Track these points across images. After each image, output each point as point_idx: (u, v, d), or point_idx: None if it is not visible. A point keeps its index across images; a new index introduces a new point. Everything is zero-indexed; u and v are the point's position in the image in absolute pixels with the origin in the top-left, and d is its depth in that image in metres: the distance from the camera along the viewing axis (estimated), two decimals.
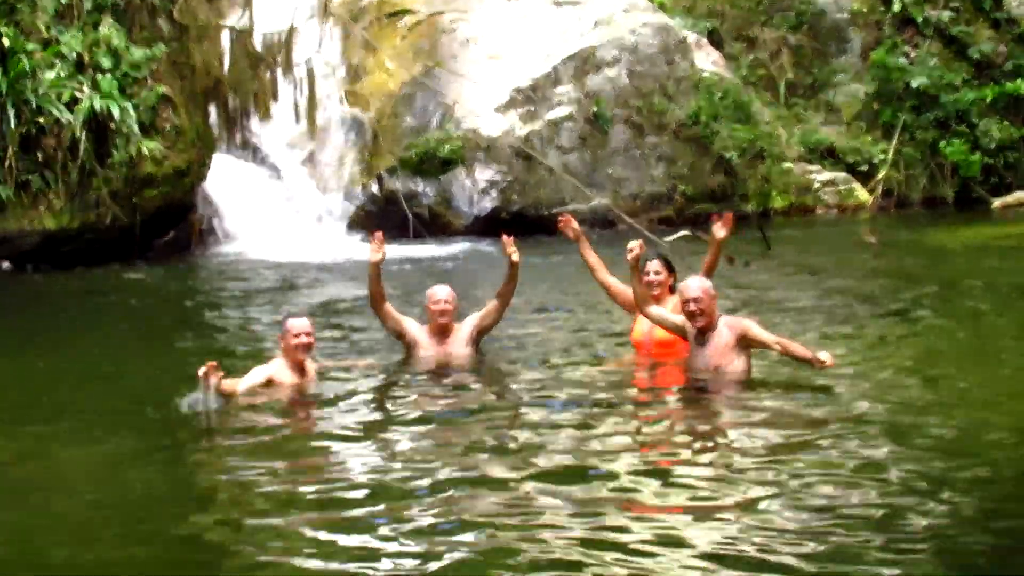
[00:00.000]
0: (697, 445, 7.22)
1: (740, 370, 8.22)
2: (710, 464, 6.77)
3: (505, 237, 9.12)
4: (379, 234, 9.00)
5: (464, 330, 9.15)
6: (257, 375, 8.36)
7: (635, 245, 8.48)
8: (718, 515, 5.89)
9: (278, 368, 8.47)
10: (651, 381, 8.79)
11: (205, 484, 6.85)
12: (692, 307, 8.22)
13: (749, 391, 8.11)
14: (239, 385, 8.15)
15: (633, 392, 8.66)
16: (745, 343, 8.23)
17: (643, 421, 7.82)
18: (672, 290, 9.08)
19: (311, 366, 8.66)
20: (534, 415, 7.86)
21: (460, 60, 19.79)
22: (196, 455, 7.32)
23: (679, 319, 8.48)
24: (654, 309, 8.69)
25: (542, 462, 6.83)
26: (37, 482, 6.88)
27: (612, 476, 6.55)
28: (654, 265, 9.10)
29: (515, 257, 9.00)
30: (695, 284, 8.31)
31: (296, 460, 7.03)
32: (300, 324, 8.45)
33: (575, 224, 9.31)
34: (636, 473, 6.61)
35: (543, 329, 10.81)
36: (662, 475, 6.55)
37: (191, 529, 6.01)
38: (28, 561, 5.64)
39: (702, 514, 5.91)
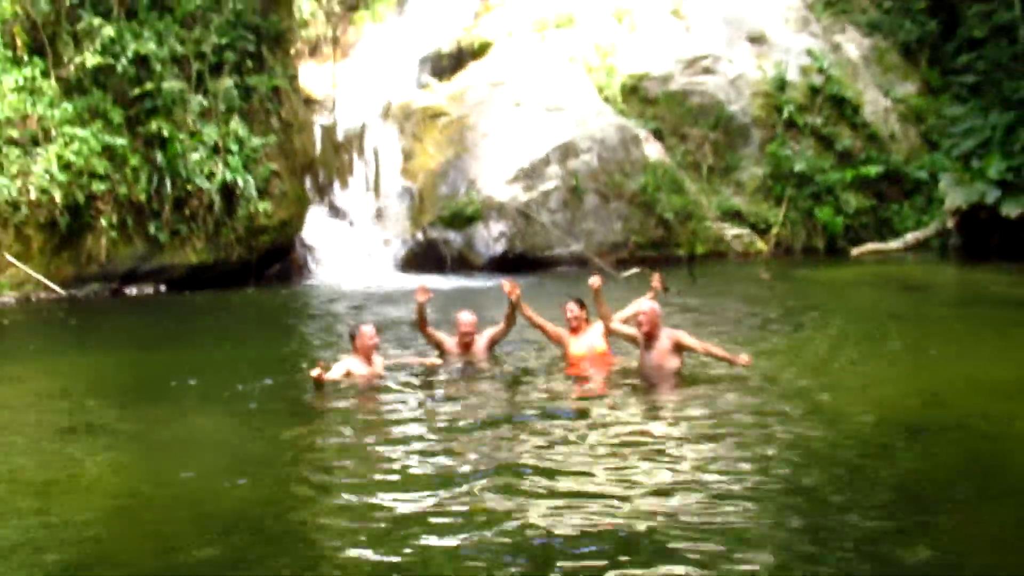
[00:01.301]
0: (643, 421, 7.25)
1: (674, 368, 8.24)
2: (650, 436, 6.79)
3: (505, 283, 9.10)
4: (424, 285, 9.19)
5: (481, 342, 9.35)
6: (340, 368, 8.45)
7: (594, 280, 8.57)
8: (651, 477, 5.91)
9: (353, 363, 8.53)
10: (606, 379, 8.72)
11: (293, 450, 6.88)
12: (642, 318, 8.26)
13: (682, 383, 8.13)
14: (332, 374, 8.27)
15: (594, 386, 8.61)
16: (679, 348, 8.25)
17: (607, 407, 7.82)
18: (588, 321, 9.11)
19: (379, 360, 8.71)
20: (529, 408, 7.91)
21: (480, 148, 19.81)
22: (290, 428, 7.36)
23: (632, 331, 8.50)
24: (616, 324, 8.73)
25: (528, 436, 6.87)
26: (165, 443, 6.92)
27: (582, 441, 6.60)
28: (572, 306, 9.13)
29: (513, 298, 9.03)
30: (647, 304, 8.36)
31: (362, 435, 7.03)
32: (370, 330, 8.59)
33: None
34: (599, 437, 6.65)
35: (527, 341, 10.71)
36: (620, 446, 6.58)
37: (279, 487, 6.04)
38: (162, 500, 5.68)
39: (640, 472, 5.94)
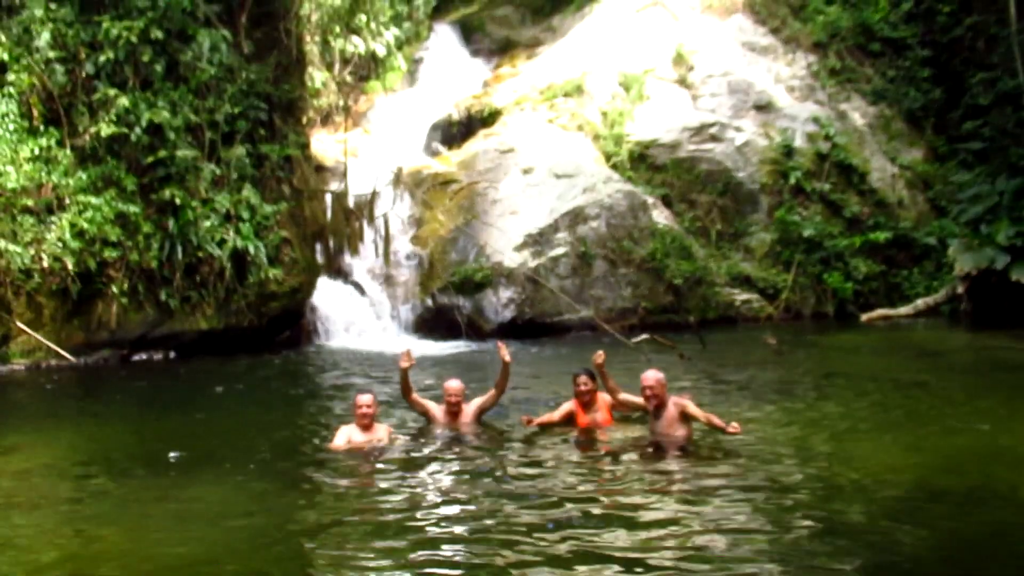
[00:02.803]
0: (652, 483, 7.15)
1: (683, 435, 8.18)
2: (661, 494, 6.71)
3: (499, 344, 9.13)
4: (408, 350, 9.10)
5: (470, 410, 9.16)
6: (341, 437, 8.42)
7: (599, 355, 8.56)
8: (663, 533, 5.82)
9: (352, 430, 8.49)
10: (616, 444, 8.65)
11: (305, 514, 6.81)
12: (648, 392, 8.21)
13: (691, 451, 8.05)
14: (335, 443, 8.27)
15: (602, 450, 8.53)
16: (684, 416, 8.19)
17: (616, 469, 7.74)
18: (596, 393, 9.10)
19: (381, 428, 8.61)
20: (522, 471, 7.82)
21: (490, 215, 19.93)
22: (289, 501, 7.29)
23: (639, 400, 8.45)
24: (622, 395, 8.70)
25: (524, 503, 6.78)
26: (164, 516, 6.80)
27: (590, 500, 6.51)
28: (583, 378, 9.11)
29: (507, 359, 9.01)
30: (651, 376, 8.31)
31: (353, 511, 6.96)
32: (365, 399, 8.54)
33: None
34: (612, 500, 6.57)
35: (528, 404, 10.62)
36: (627, 507, 6.50)
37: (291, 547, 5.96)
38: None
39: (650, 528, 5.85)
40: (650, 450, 8.13)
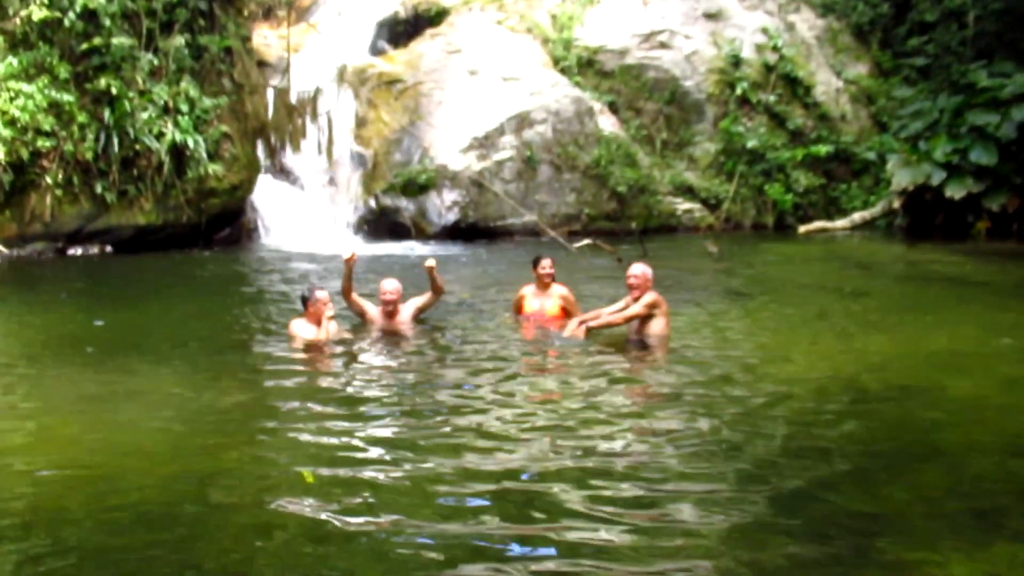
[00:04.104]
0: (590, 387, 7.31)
1: (655, 334, 8.40)
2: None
3: (429, 263, 9.11)
4: (353, 248, 9.14)
5: (407, 311, 9.14)
6: (297, 330, 8.42)
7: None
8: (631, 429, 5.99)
9: (302, 325, 8.50)
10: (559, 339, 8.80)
11: (234, 401, 6.87)
12: (632, 281, 8.39)
13: (632, 350, 8.25)
14: (294, 332, 8.48)
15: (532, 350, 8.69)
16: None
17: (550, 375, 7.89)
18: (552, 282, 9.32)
19: (332, 325, 8.59)
20: (455, 374, 7.94)
21: (435, 116, 19.72)
22: (230, 381, 7.35)
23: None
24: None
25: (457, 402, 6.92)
26: (103, 401, 6.83)
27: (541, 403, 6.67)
28: (545, 260, 9.26)
29: (429, 264, 9.07)
30: (639, 267, 8.55)
31: (300, 399, 7.04)
32: (324, 295, 8.52)
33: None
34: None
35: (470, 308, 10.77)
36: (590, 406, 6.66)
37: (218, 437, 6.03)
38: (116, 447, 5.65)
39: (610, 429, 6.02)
40: (591, 347, 8.29)
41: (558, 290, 9.28)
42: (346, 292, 8.96)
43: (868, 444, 5.78)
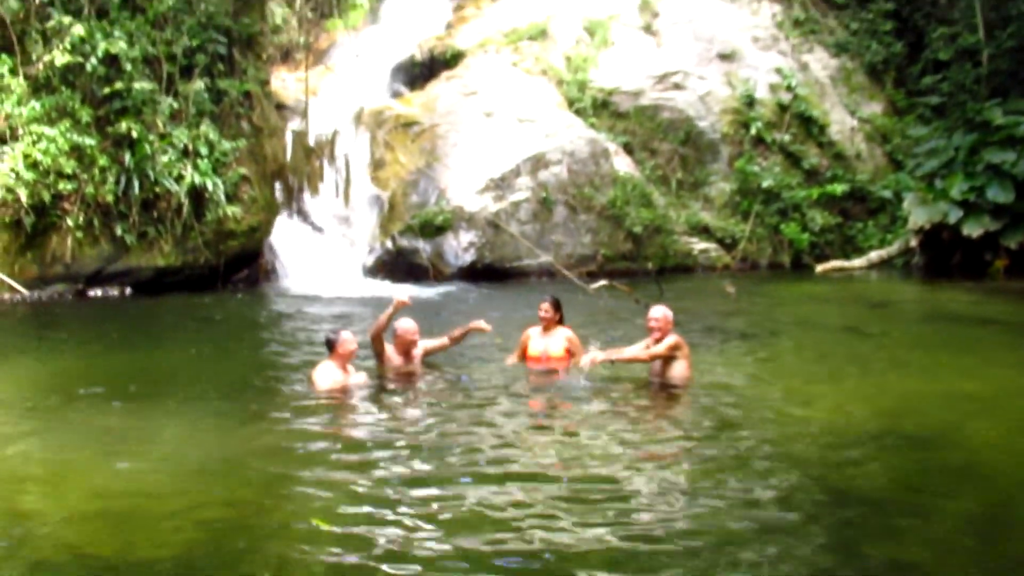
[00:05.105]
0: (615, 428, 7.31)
1: (677, 376, 8.40)
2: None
3: (482, 323, 9.28)
4: (409, 294, 9.23)
5: (418, 351, 9.23)
6: (322, 374, 8.42)
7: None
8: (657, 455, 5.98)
9: (330, 368, 8.49)
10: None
11: (253, 446, 6.89)
12: (653, 324, 8.40)
13: (648, 391, 8.23)
14: (317, 380, 8.40)
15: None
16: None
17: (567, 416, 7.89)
18: (560, 322, 9.26)
19: (351, 369, 8.64)
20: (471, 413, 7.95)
21: (451, 157, 19.87)
22: (249, 425, 7.37)
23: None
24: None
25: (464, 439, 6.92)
26: (125, 445, 6.85)
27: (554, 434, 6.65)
28: (544, 304, 9.29)
29: (486, 328, 9.24)
30: (659, 310, 8.57)
31: (327, 442, 7.06)
32: (350, 336, 8.57)
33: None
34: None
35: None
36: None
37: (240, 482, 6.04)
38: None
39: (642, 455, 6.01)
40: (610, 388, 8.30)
41: (563, 332, 9.31)
42: (379, 332, 9.01)
43: (891, 489, 5.75)
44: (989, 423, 7.30)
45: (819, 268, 20.48)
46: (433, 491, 5.62)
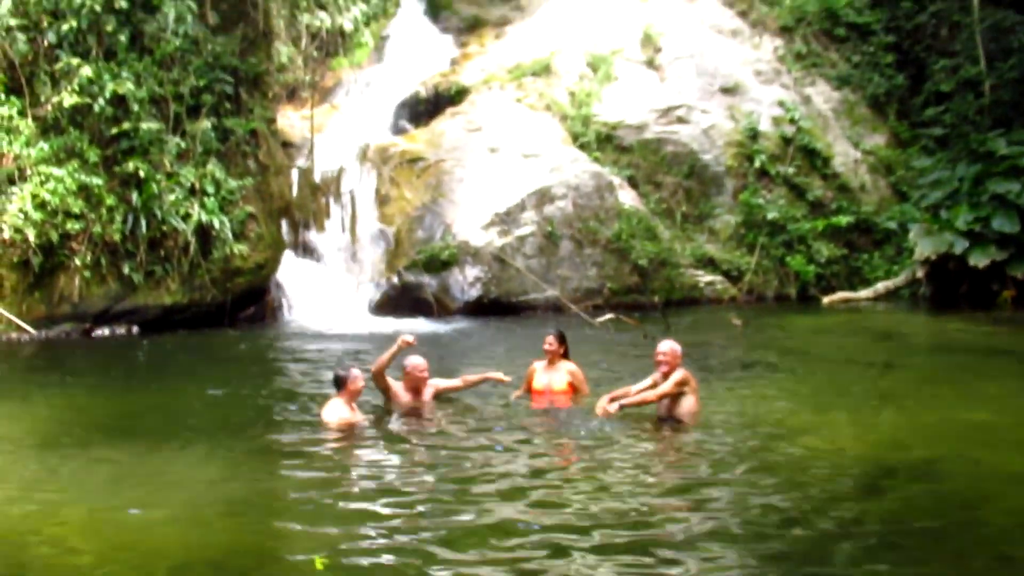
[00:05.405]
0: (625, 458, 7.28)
1: (685, 411, 8.36)
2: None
3: (500, 375, 9.39)
4: (414, 335, 9.26)
5: (429, 390, 9.22)
6: (331, 412, 8.40)
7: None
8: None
9: (339, 406, 8.48)
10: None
11: (258, 486, 6.87)
12: (660, 358, 8.38)
13: (660, 425, 8.20)
14: (326, 417, 8.39)
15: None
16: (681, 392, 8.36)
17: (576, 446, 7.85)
18: (565, 355, 9.26)
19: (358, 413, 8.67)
20: (483, 444, 7.92)
21: (456, 193, 19.94)
22: (255, 464, 7.34)
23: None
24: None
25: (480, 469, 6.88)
26: (135, 485, 6.83)
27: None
28: (549, 337, 9.33)
29: (505, 379, 9.35)
30: (667, 344, 8.55)
31: (337, 482, 7.02)
32: (359, 374, 8.57)
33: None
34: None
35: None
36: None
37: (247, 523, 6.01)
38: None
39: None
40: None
41: (566, 366, 9.36)
42: (381, 369, 9.00)
43: (905, 521, 5.71)
44: (1001, 453, 7.25)
45: (826, 300, 20.45)
46: (439, 533, 5.57)
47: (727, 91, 22.89)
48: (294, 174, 19.58)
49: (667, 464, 7.11)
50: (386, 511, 6.00)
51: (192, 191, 16.40)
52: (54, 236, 15.25)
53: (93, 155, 15.73)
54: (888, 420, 8.57)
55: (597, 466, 7.03)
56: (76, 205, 15.35)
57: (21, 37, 15.66)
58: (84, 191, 15.53)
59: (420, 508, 6.09)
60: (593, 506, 6.00)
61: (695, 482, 6.59)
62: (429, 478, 6.84)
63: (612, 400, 8.40)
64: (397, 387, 9.14)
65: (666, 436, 8.02)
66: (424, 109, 22.66)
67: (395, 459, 7.48)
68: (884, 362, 12.17)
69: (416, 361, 9.16)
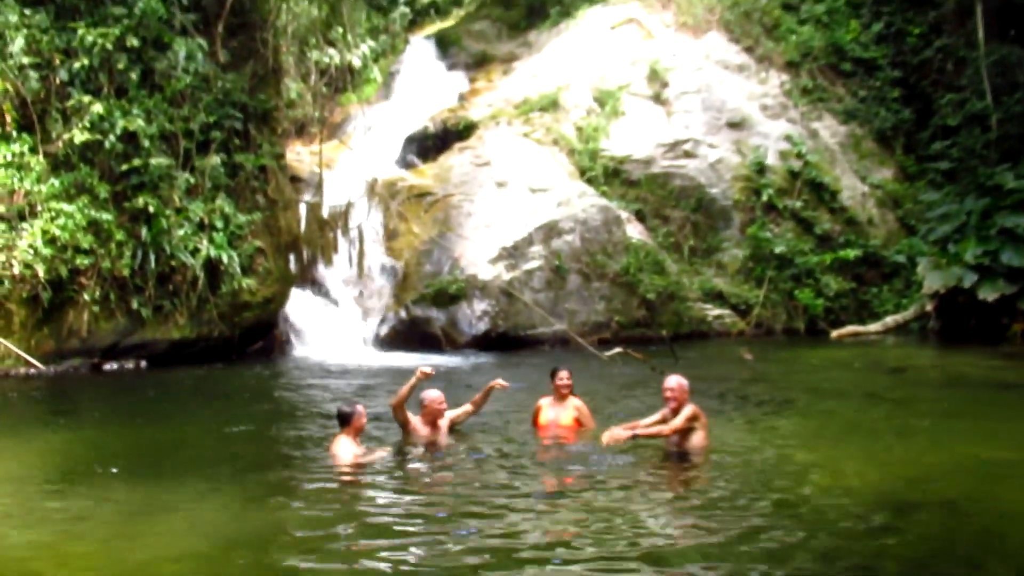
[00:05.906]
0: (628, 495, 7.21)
1: (694, 445, 8.30)
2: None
3: (501, 382, 9.41)
4: (432, 367, 9.28)
5: (445, 421, 9.22)
6: (342, 449, 8.35)
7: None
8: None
9: (346, 442, 8.44)
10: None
11: (266, 522, 6.80)
12: (668, 394, 8.37)
13: (666, 459, 8.13)
14: (337, 452, 8.39)
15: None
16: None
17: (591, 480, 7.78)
18: (570, 391, 9.52)
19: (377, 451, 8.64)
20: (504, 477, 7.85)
21: (464, 227, 19.99)
22: (263, 502, 7.28)
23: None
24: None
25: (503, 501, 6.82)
26: (142, 524, 6.76)
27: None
28: (563, 372, 9.42)
29: (504, 385, 9.39)
30: (674, 380, 8.56)
31: (344, 519, 6.96)
32: (362, 409, 8.54)
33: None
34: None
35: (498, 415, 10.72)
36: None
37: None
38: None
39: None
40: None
41: (573, 402, 9.45)
42: (401, 402, 8.99)
43: (921, 559, 5.63)
44: (1017, 489, 7.15)
45: (834, 333, 20.37)
46: (450, 573, 5.50)
47: (734, 125, 22.97)
48: (302, 209, 19.65)
49: (678, 502, 7.01)
50: (394, 554, 5.91)
51: (201, 226, 16.45)
52: (63, 271, 15.28)
53: (103, 191, 15.80)
54: (901, 456, 8.47)
55: (607, 504, 6.94)
56: (86, 240, 15.39)
57: (33, 75, 15.77)
58: (94, 226, 15.58)
59: (429, 549, 6.01)
60: (606, 544, 5.91)
61: (704, 519, 6.50)
62: (441, 515, 6.76)
63: (625, 429, 8.34)
64: (416, 421, 9.15)
65: (676, 471, 7.93)
66: (432, 144, 22.77)
67: (405, 498, 7.39)
68: (896, 397, 12.07)
69: (434, 395, 9.19)
